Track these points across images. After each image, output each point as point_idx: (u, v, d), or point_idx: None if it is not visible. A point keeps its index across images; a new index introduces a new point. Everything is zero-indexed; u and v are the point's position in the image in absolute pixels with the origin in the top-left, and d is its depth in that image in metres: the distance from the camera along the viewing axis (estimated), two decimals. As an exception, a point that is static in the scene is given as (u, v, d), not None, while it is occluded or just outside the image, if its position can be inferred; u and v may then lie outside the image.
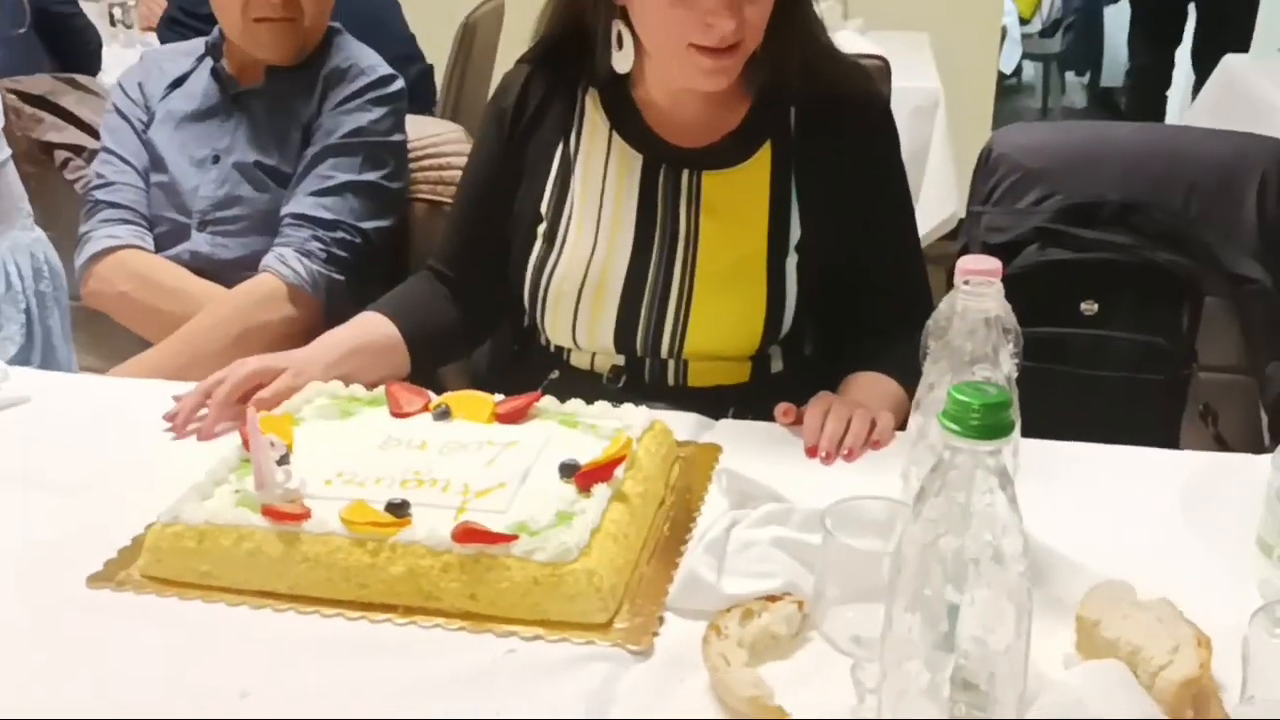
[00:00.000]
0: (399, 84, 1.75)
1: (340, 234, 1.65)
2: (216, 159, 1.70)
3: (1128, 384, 1.68)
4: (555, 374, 1.42)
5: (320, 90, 1.71)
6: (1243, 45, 3.74)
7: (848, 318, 1.38)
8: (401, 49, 3.09)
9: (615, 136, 1.38)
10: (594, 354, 1.39)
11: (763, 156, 1.36)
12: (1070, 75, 7.74)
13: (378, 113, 1.71)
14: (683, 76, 1.30)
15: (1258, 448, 1.64)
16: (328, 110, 1.69)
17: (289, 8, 1.65)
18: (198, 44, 1.79)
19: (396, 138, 1.74)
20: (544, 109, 1.41)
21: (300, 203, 1.65)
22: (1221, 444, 1.67)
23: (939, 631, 0.68)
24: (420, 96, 3.09)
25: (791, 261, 1.33)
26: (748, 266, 1.33)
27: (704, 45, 1.24)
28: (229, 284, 1.63)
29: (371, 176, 1.69)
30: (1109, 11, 7.47)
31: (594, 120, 1.40)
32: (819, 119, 1.36)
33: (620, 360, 1.38)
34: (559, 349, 1.42)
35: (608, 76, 1.35)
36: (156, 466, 1.18)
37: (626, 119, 1.39)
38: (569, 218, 1.38)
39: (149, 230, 1.71)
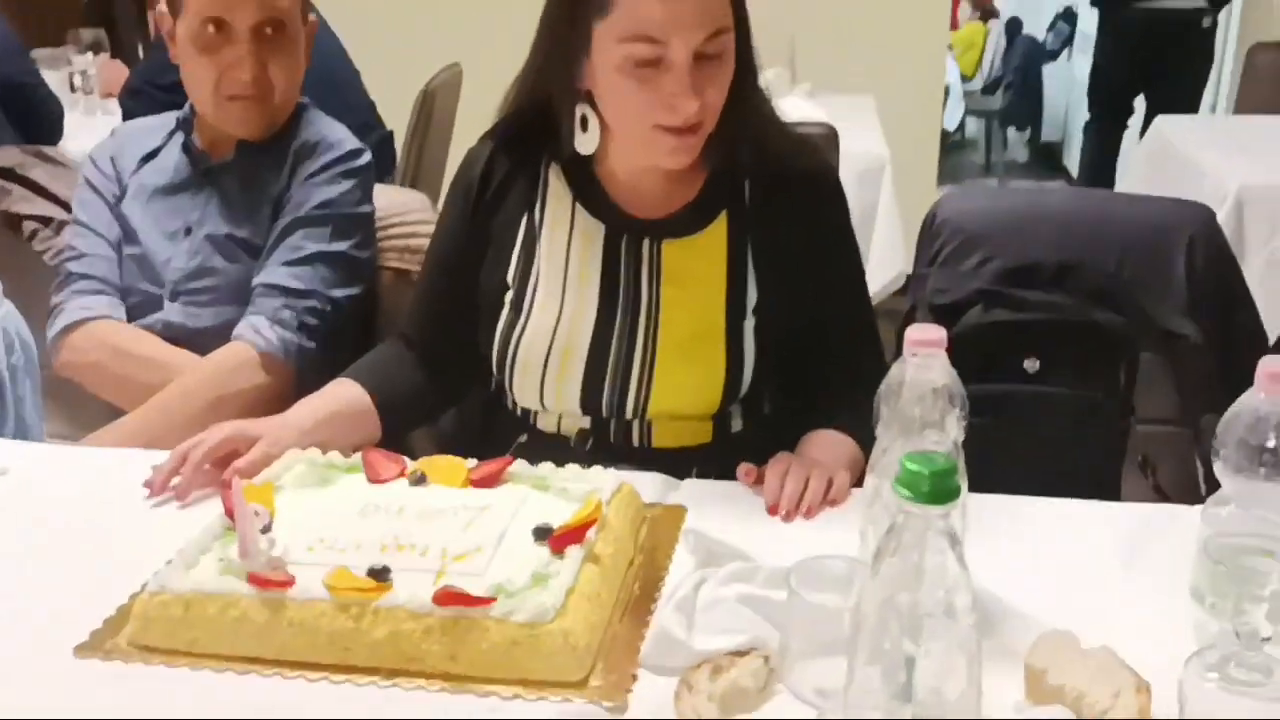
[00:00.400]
0: (367, 157, 1.80)
1: (311, 302, 1.68)
2: (189, 231, 1.74)
3: (1070, 438, 1.75)
4: (523, 437, 1.47)
5: (290, 164, 1.74)
6: None
7: (804, 378, 1.44)
8: (361, 116, 3.14)
9: (578, 208, 1.44)
10: (560, 416, 1.44)
11: (719, 225, 1.42)
12: (1011, 131, 7.97)
13: (346, 185, 1.75)
14: (647, 155, 1.36)
15: (1194, 496, 1.71)
16: (297, 183, 1.73)
17: (259, 85, 1.69)
18: (169, 119, 1.83)
19: (365, 209, 1.79)
20: (508, 183, 1.47)
21: (272, 273, 1.69)
22: (1160, 494, 1.74)
23: (897, 682, 0.74)
24: (380, 163, 3.12)
25: (749, 325, 1.39)
26: (708, 330, 1.39)
27: (668, 126, 1.30)
28: (202, 353, 1.66)
29: (341, 246, 1.73)
30: (1047, 69, 7.73)
31: (557, 192, 1.45)
32: (771, 190, 1.42)
33: (586, 423, 1.43)
34: (526, 412, 1.47)
35: (571, 154, 1.41)
36: (136, 536, 1.22)
37: (589, 191, 1.44)
38: (535, 286, 1.43)
39: (121, 301, 1.74)
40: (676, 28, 1.26)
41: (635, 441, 1.43)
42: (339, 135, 1.79)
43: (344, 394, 1.43)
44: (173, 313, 1.72)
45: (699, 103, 1.29)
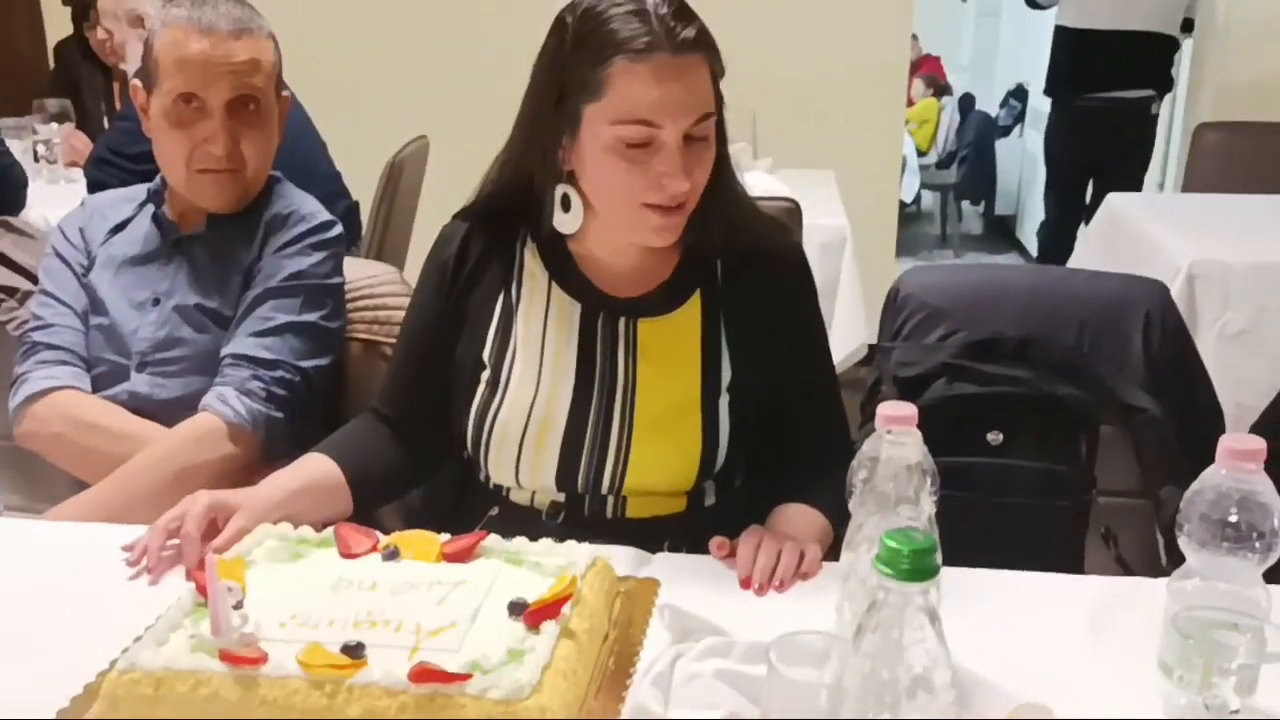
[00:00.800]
0: (338, 229, 1.81)
1: (280, 373, 1.68)
2: (157, 301, 1.73)
3: (1033, 509, 1.78)
4: (495, 510, 1.47)
5: (261, 235, 1.75)
6: None
7: (774, 451, 1.46)
8: (328, 186, 3.16)
9: (554, 286, 1.46)
10: (534, 491, 1.45)
11: (693, 304, 1.44)
12: (966, 204, 8.13)
13: (317, 257, 1.76)
14: (633, 233, 1.38)
15: (1155, 567, 1.74)
16: (268, 254, 1.74)
17: (232, 159, 1.70)
18: (139, 190, 1.83)
19: (335, 280, 1.80)
20: (484, 262, 1.48)
21: (240, 343, 1.69)
22: (1123, 565, 1.76)
23: (878, 758, 0.74)
24: (346, 233, 3.15)
25: (724, 401, 1.41)
26: (683, 408, 1.41)
27: (656, 204, 1.33)
28: (168, 424, 1.65)
29: (311, 317, 1.73)
30: (1000, 145, 7.91)
31: (533, 271, 1.47)
32: (742, 270, 1.45)
33: (560, 497, 1.44)
34: (499, 486, 1.47)
35: (549, 234, 1.43)
36: (101, 613, 1.20)
37: (564, 270, 1.46)
38: (511, 364, 1.44)
39: (87, 372, 1.73)
40: (669, 111, 1.29)
41: (609, 513, 1.43)
42: (311, 208, 1.80)
43: (315, 469, 1.43)
44: (140, 383, 1.71)
45: (689, 183, 1.32)
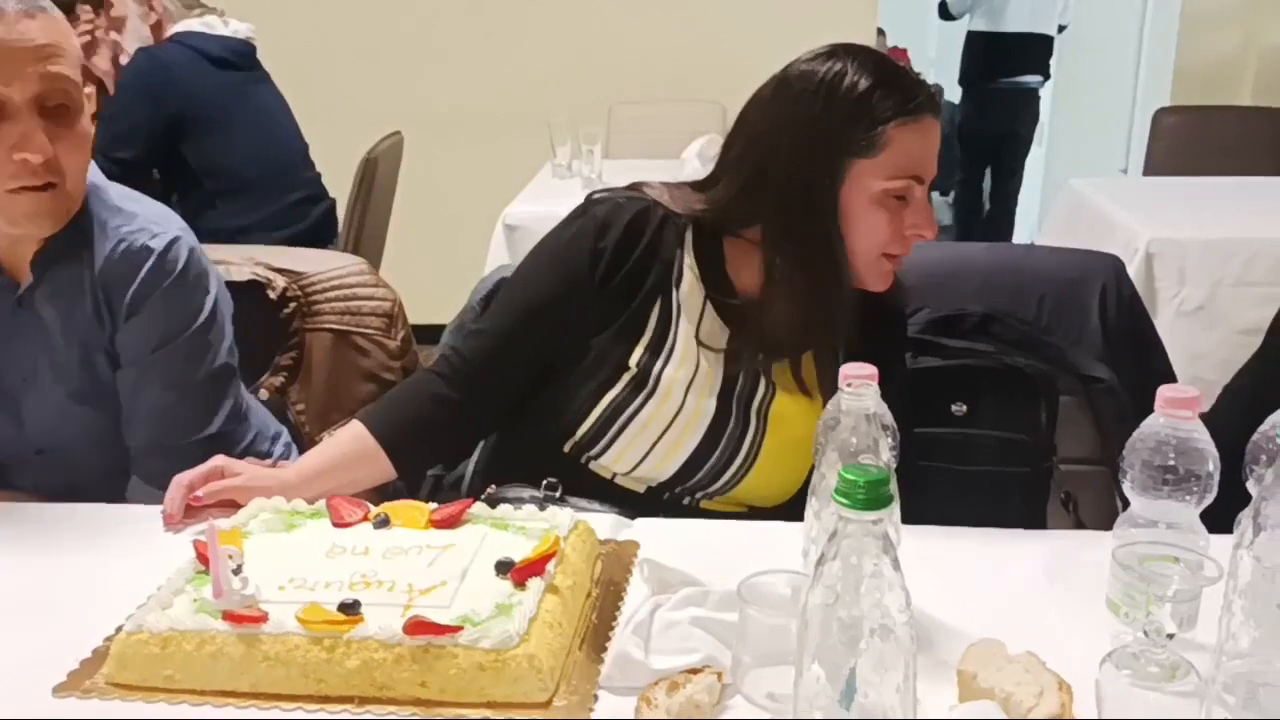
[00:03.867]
0: (179, 249, 1.53)
1: (194, 440, 1.53)
2: (25, 380, 1.53)
3: (996, 477, 1.84)
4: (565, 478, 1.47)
5: (101, 291, 1.50)
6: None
7: None
8: (311, 189, 3.23)
9: (708, 307, 1.49)
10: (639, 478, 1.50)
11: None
12: (935, 195, 8.21)
13: (176, 300, 1.52)
14: (861, 275, 1.45)
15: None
16: (123, 322, 1.51)
17: (51, 169, 1.42)
18: None
19: (207, 308, 1.55)
20: (646, 260, 1.48)
21: (141, 434, 1.53)
22: (1082, 529, 1.83)
23: (841, 680, 0.81)
24: (323, 233, 3.21)
25: None
26: (804, 439, 1.41)
27: (895, 254, 1.43)
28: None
29: (202, 370, 1.55)
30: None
31: (692, 286, 1.49)
32: (860, 316, 1.49)
33: (653, 483, 1.50)
34: (578, 458, 1.49)
35: (706, 253, 1.48)
36: (106, 585, 1.25)
37: (718, 289, 1.49)
38: (662, 371, 1.47)
39: None
40: (928, 166, 1.41)
41: (685, 502, 1.51)
42: (137, 227, 1.52)
43: (344, 446, 1.45)
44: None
45: (935, 232, 1.42)
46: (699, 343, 1.48)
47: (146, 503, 1.46)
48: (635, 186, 1.54)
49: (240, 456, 1.49)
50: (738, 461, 1.48)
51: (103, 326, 1.52)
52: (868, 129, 1.37)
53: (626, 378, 1.46)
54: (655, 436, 1.46)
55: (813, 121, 1.39)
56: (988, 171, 6.19)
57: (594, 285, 1.47)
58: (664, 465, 1.48)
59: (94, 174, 1.53)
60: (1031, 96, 5.96)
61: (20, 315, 1.52)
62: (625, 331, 1.48)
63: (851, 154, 1.38)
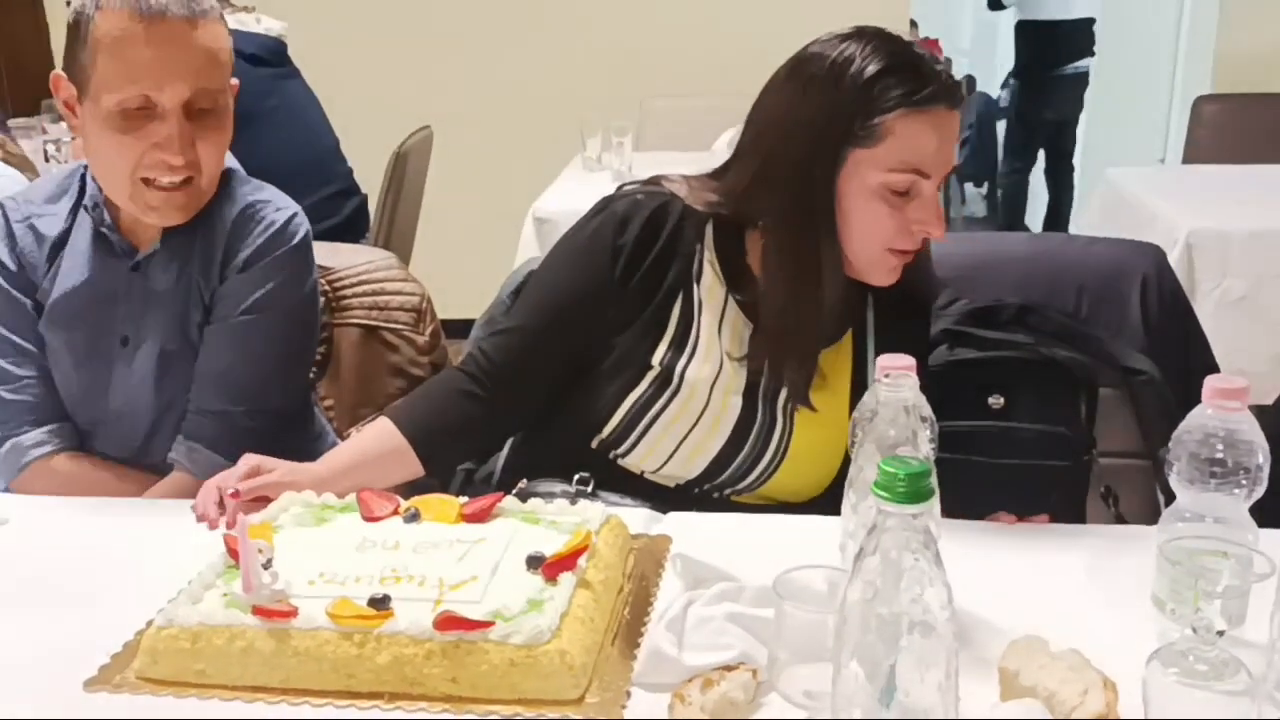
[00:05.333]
0: (301, 225, 1.59)
1: (248, 421, 1.54)
2: (125, 342, 1.56)
3: (1035, 471, 1.81)
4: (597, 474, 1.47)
5: (224, 249, 1.54)
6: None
7: None
8: (343, 184, 3.23)
9: (730, 302, 1.46)
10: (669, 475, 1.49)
11: (846, 341, 1.50)
12: (969, 186, 8.14)
13: (283, 273, 1.56)
14: (867, 274, 1.42)
15: (1155, 523, 1.78)
16: (231, 275, 1.54)
17: (189, 167, 1.47)
18: (60, 189, 1.58)
19: (301, 291, 1.60)
20: (666, 257, 1.45)
21: (205, 396, 1.54)
22: (1123, 523, 1.80)
23: (881, 677, 0.79)
24: (356, 226, 3.21)
25: None
26: (832, 436, 1.45)
27: (901, 249, 1.38)
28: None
29: (278, 346, 1.58)
30: (1001, 126, 7.91)
31: (712, 281, 1.46)
32: (890, 307, 1.50)
33: (681, 479, 1.48)
34: (605, 454, 1.48)
35: (728, 249, 1.45)
36: (135, 581, 1.24)
37: (740, 286, 1.46)
38: (686, 368, 1.44)
39: (69, 423, 1.57)
40: (939, 163, 1.35)
41: (715, 496, 1.49)
42: (267, 199, 1.59)
43: (372, 442, 1.44)
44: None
45: (943, 231, 1.37)
46: (720, 340, 1.45)
47: (186, 464, 1.51)
48: (655, 180, 1.52)
49: (310, 454, 1.47)
50: (766, 459, 1.46)
51: (208, 281, 1.54)
52: (868, 117, 1.32)
53: (651, 376, 1.44)
54: (681, 435, 1.44)
55: (817, 108, 1.35)
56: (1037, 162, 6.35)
57: (615, 282, 1.45)
58: (691, 464, 1.46)
59: (228, 159, 1.59)
60: (1085, 80, 6.07)
61: (134, 280, 1.55)
62: (647, 329, 1.46)
63: (850, 143, 1.34)
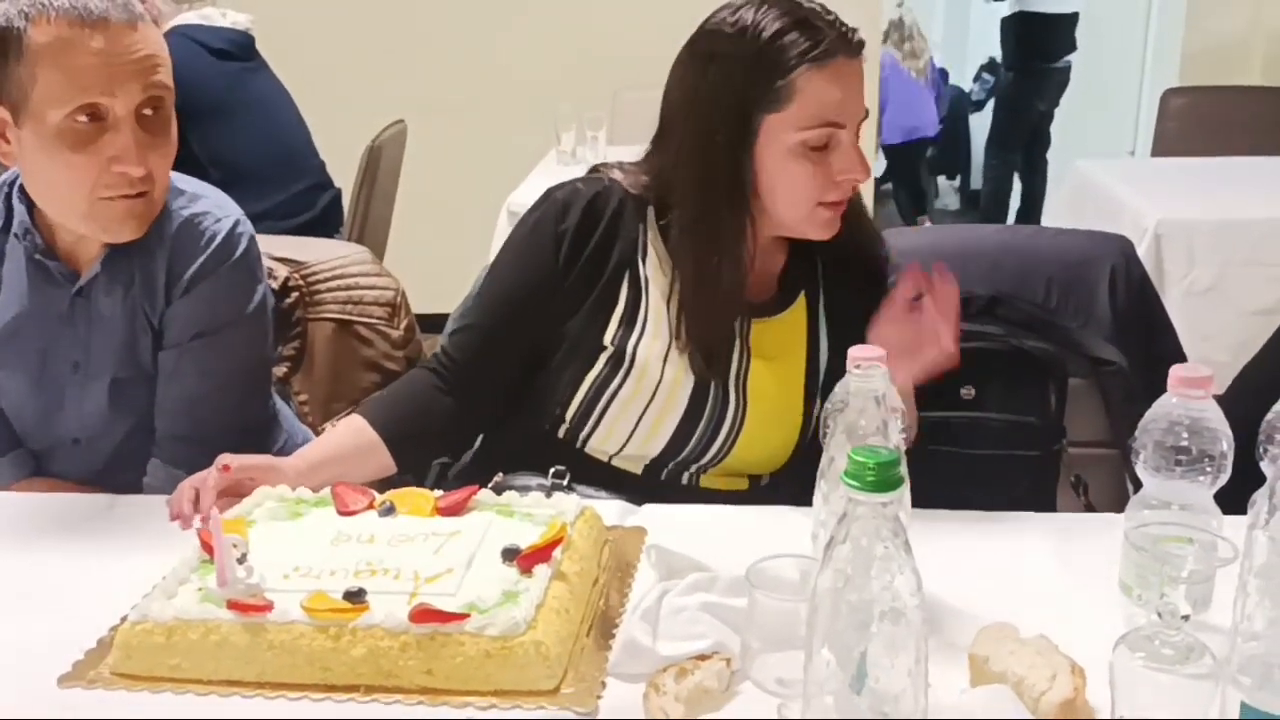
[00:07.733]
0: (244, 234, 1.54)
1: (218, 428, 1.49)
2: (77, 367, 1.51)
3: (1005, 460, 1.83)
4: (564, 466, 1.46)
5: (167, 266, 1.49)
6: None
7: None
8: (316, 178, 3.21)
9: (678, 280, 1.46)
10: (630, 456, 1.49)
11: (799, 307, 1.52)
12: (942, 179, 8.18)
13: (231, 281, 1.51)
14: (804, 230, 1.43)
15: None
16: (177, 297, 1.49)
17: (145, 179, 1.42)
18: None
19: (257, 298, 1.55)
20: (609, 238, 1.47)
21: (171, 420, 1.51)
22: (1092, 511, 1.82)
23: (851, 664, 0.80)
24: (330, 220, 3.20)
25: (823, 393, 1.47)
26: (789, 402, 1.48)
27: (830, 201, 1.39)
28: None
29: (240, 361, 1.54)
30: (974, 119, 7.95)
31: (658, 259, 1.48)
32: (841, 270, 1.52)
33: (647, 460, 1.49)
34: (573, 442, 1.49)
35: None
36: (107, 577, 1.24)
37: None
38: (637, 346, 1.46)
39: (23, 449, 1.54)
40: (849, 111, 1.37)
41: (684, 481, 1.50)
42: (210, 205, 1.54)
43: (346, 437, 1.45)
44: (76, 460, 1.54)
45: (868, 174, 1.38)
46: (669, 316, 1.47)
47: (165, 488, 1.43)
48: (595, 169, 1.55)
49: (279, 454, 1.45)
50: (725, 431, 1.47)
51: (154, 304, 1.49)
52: (771, 82, 1.34)
53: (604, 357, 1.46)
54: (638, 413, 1.46)
55: (720, 82, 1.37)
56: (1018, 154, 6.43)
57: (559, 268, 1.47)
58: (652, 441, 1.47)
59: None
60: (1069, 74, 6.19)
61: (77, 305, 1.50)
62: (597, 310, 1.47)
63: (761, 110, 1.35)
